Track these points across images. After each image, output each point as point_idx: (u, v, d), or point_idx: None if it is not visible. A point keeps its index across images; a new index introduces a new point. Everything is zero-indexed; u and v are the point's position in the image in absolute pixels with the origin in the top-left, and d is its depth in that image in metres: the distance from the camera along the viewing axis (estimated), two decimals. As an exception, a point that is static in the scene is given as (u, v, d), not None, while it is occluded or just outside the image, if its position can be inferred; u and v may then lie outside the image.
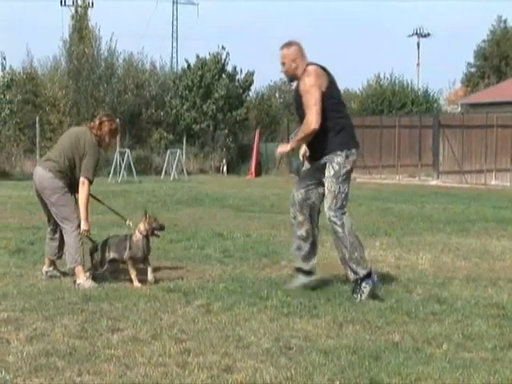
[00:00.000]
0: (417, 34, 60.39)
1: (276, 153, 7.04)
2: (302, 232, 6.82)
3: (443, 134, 27.54)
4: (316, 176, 6.71)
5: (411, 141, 29.40)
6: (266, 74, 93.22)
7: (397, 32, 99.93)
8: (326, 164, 6.58)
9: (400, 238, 10.59)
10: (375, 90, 41.90)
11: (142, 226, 7.13)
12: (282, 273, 7.74)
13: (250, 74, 35.60)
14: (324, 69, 6.66)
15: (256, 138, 32.68)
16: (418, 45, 60.15)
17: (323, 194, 6.67)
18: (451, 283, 7.28)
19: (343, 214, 6.54)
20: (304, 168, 7.03)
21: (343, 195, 6.55)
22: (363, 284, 6.46)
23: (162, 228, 7.28)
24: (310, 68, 6.59)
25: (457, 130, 27.68)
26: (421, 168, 28.36)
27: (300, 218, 6.81)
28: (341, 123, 6.64)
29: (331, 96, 6.59)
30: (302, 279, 6.89)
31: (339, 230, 6.48)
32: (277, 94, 46.74)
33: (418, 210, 15.29)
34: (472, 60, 55.94)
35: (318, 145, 6.61)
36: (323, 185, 6.64)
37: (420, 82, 48.88)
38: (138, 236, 7.12)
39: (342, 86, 39.95)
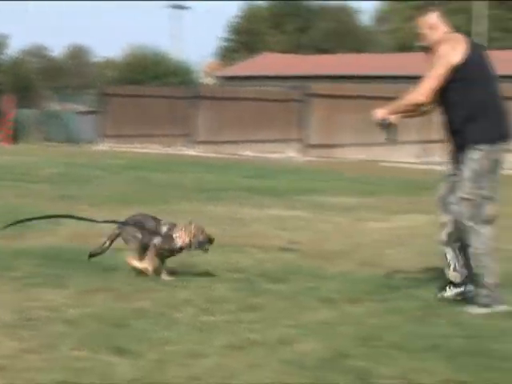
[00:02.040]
0: (176, 6, 60.79)
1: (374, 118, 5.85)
2: (442, 235, 5.72)
3: (200, 106, 28.10)
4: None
5: (170, 111, 29.68)
6: (22, 38, 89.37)
7: (156, 3, 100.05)
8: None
9: (154, 207, 10.69)
10: (134, 59, 41.70)
11: (186, 238, 6.24)
12: (29, 243, 7.53)
13: (4, 37, 33.96)
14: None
15: (8, 104, 31.27)
16: (177, 17, 60.62)
17: None
18: (199, 250, 7.48)
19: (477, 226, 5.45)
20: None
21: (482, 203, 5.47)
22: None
23: (210, 241, 6.38)
24: (449, 36, 5.62)
25: (213, 101, 28.36)
26: (178, 138, 28.76)
27: (443, 218, 5.72)
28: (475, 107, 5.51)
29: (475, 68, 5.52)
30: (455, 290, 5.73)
31: (473, 242, 5.47)
32: (33, 59, 45.07)
33: (173, 179, 15.52)
34: (226, 34, 57.59)
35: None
36: None
37: (178, 53, 49.42)
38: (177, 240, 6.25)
39: (101, 54, 39.38)
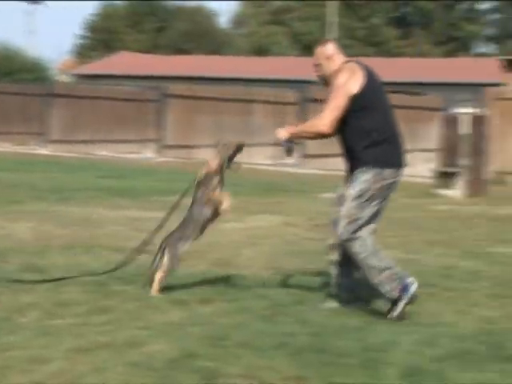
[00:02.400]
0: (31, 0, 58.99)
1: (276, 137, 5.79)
2: (335, 256, 5.74)
3: (54, 103, 27.41)
4: None
5: (23, 108, 28.75)
6: None
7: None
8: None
9: (4, 207, 10.35)
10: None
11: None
12: None
13: None
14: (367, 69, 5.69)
15: None
16: (32, 12, 58.80)
17: None
18: (49, 251, 7.32)
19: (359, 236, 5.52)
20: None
21: (364, 221, 5.53)
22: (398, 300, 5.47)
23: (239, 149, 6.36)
24: (347, 65, 5.65)
25: (67, 99, 27.72)
26: (32, 136, 27.92)
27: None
28: (371, 132, 5.58)
29: (372, 97, 5.61)
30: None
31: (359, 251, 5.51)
32: None
33: (24, 179, 15.05)
34: (82, 32, 56.61)
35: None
36: None
37: (33, 49, 47.98)
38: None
39: None
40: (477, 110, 20.51)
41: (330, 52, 5.69)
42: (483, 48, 63.35)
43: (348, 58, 5.74)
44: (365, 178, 5.47)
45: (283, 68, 34.79)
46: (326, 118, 5.50)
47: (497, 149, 20.37)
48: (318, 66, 5.73)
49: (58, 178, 15.81)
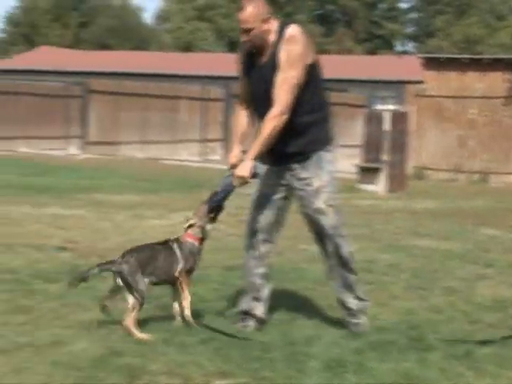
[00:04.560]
0: None
1: (234, 182, 4.80)
2: (263, 269, 5.02)
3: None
4: (281, 183, 4.84)
5: None
6: None
7: None
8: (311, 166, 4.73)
9: None
10: None
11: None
12: None
13: None
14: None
15: None
16: None
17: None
18: (-32, 251, 7.16)
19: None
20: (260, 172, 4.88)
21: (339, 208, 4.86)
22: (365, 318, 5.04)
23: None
24: (295, 30, 4.62)
25: (-14, 95, 27.09)
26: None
27: (264, 248, 5.00)
28: (324, 108, 4.87)
29: (317, 70, 4.76)
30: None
31: (347, 248, 4.88)
32: None
33: None
34: (2, 26, 55.44)
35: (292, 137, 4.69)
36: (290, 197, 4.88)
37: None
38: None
39: None
40: (398, 107, 20.95)
41: (267, 16, 4.63)
42: (404, 46, 64.67)
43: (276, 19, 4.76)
44: (328, 159, 4.77)
45: (209, 64, 34.76)
46: (284, 105, 4.55)
47: (416, 145, 20.84)
48: (247, 31, 4.63)
49: (-23, 175, 15.44)
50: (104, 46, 50.89)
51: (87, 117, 25.47)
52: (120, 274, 4.68)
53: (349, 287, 4.94)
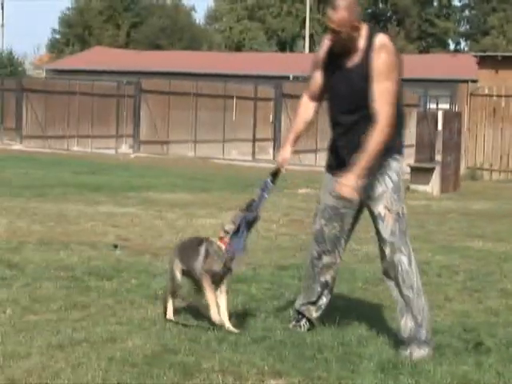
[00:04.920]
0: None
1: (345, 199, 4.55)
2: (326, 278, 4.93)
3: (27, 99, 27.19)
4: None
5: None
6: None
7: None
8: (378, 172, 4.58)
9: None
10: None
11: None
12: None
13: None
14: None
15: None
16: (2, 5, 58.23)
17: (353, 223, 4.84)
18: (24, 247, 7.27)
19: (409, 242, 4.66)
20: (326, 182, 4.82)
21: (406, 217, 4.69)
22: (417, 345, 4.56)
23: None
24: (386, 39, 4.53)
25: (41, 94, 27.52)
26: (4, 132, 27.71)
27: (327, 259, 4.90)
28: (401, 116, 4.68)
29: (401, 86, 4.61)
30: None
31: (405, 260, 4.60)
32: None
33: (-2, 175, 14.93)
34: (57, 26, 56.29)
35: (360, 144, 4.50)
36: (362, 208, 4.77)
37: (4, 44, 47.57)
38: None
39: None
40: (452, 107, 20.67)
41: (357, 23, 4.51)
42: (458, 45, 63.85)
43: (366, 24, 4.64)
44: (395, 167, 4.63)
45: (259, 64, 34.80)
46: (388, 117, 4.45)
47: (470, 145, 20.55)
48: (335, 32, 4.51)
49: (30, 174, 15.68)
50: (156, 46, 51.33)
51: (139, 116, 25.69)
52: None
53: (403, 313, 4.59)
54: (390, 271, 4.62)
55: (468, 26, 63.68)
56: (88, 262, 6.76)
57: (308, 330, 4.93)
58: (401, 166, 4.66)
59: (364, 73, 4.49)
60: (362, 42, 4.53)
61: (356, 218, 4.85)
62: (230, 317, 4.89)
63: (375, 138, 4.43)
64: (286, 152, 4.90)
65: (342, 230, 4.83)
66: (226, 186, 14.76)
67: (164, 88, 26.09)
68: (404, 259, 4.58)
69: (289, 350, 4.45)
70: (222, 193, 13.53)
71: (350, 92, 4.55)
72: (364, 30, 4.56)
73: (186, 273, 5.04)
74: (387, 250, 4.59)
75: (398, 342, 4.65)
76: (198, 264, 4.93)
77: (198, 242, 5.08)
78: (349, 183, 4.43)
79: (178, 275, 5.03)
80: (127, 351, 4.35)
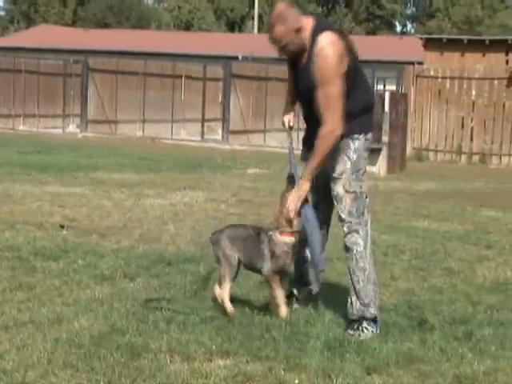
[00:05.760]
0: None
1: (287, 213, 4.66)
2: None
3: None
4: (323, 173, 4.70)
5: None
6: None
7: None
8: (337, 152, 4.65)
9: None
10: None
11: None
12: None
13: None
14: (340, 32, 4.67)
15: None
16: None
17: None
18: (-32, 228, 7.16)
19: (367, 222, 4.71)
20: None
21: (364, 196, 4.72)
22: (365, 324, 4.64)
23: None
24: (326, 40, 4.50)
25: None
26: None
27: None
28: (362, 99, 4.73)
29: (355, 70, 4.65)
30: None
31: (361, 242, 4.66)
32: None
33: None
34: (1, 3, 55.14)
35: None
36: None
37: None
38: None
39: None
40: (398, 88, 20.88)
41: (299, 25, 4.53)
42: (404, 27, 64.40)
43: (309, 17, 4.63)
44: (356, 147, 4.68)
45: (209, 43, 34.62)
46: (332, 122, 4.51)
47: (416, 126, 20.80)
48: (284, 46, 4.57)
49: (-24, 153, 15.40)
50: (103, 25, 50.64)
51: (86, 95, 25.35)
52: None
53: (353, 288, 4.70)
54: (346, 250, 4.71)
55: (414, 9, 64.23)
56: (34, 243, 6.68)
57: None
58: (363, 143, 4.68)
59: (311, 73, 4.55)
60: (308, 40, 4.54)
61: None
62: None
63: (321, 143, 4.54)
64: (289, 112, 5.02)
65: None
66: (174, 166, 14.71)
67: (112, 67, 25.78)
68: (360, 241, 4.65)
69: (237, 329, 4.47)
70: (170, 173, 13.47)
71: (307, 89, 4.60)
72: (309, 26, 4.55)
73: (244, 264, 4.85)
74: (345, 230, 4.67)
75: (346, 321, 4.71)
76: (265, 263, 4.74)
77: (257, 233, 4.80)
78: (303, 192, 4.63)
79: (236, 261, 4.78)
80: (74, 332, 4.33)
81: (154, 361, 3.97)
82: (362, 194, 4.68)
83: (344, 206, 4.65)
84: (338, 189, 4.66)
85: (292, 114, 5.05)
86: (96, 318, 4.60)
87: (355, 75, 4.63)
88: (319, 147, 4.54)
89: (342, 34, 4.64)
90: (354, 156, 4.65)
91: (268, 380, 3.79)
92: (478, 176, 16.01)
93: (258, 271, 4.86)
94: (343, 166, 4.64)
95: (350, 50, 4.58)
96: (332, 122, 4.51)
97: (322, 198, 4.86)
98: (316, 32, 4.53)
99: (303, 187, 4.63)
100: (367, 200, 4.74)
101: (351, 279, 4.70)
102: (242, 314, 4.75)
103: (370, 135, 4.76)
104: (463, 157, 20.47)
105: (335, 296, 5.21)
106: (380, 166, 15.60)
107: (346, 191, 4.64)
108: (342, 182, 4.64)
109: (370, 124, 4.82)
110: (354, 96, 4.60)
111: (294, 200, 4.64)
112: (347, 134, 4.62)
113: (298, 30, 4.51)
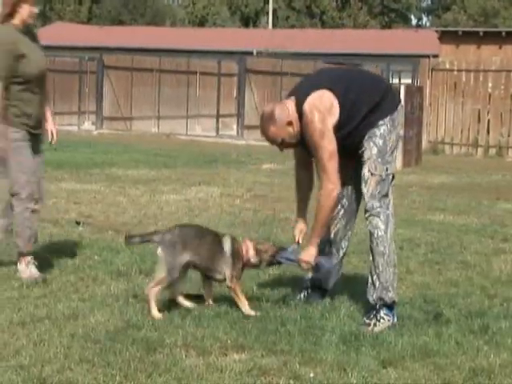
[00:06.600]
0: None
1: (301, 266, 4.86)
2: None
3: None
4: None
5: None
6: None
7: None
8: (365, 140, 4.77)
9: None
10: None
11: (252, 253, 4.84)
12: None
13: None
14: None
15: None
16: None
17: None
18: (-15, 226, 7.18)
19: (388, 204, 4.78)
20: None
21: (390, 178, 4.81)
22: (382, 313, 4.68)
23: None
24: (307, 106, 4.65)
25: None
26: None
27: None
28: (373, 98, 4.81)
29: (354, 110, 4.76)
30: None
31: (381, 226, 4.71)
32: None
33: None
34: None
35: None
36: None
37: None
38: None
39: None
40: (413, 81, 20.77)
41: (287, 119, 4.71)
42: (419, 20, 64.04)
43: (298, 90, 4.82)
44: (380, 133, 4.78)
45: (223, 39, 34.62)
46: (332, 181, 4.66)
47: (432, 119, 20.71)
48: (282, 142, 4.79)
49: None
50: (118, 22, 50.75)
51: (101, 92, 25.42)
52: None
53: (374, 269, 4.74)
54: (369, 232, 4.77)
55: (430, 2, 63.88)
56: (50, 239, 6.71)
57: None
58: (389, 126, 4.77)
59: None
60: (297, 122, 4.71)
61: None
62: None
63: (322, 205, 4.70)
64: (301, 224, 5.00)
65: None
66: (189, 162, 14.73)
67: (127, 64, 25.84)
68: (381, 225, 4.71)
69: (252, 323, 4.48)
70: (185, 169, 13.49)
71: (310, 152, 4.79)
72: (293, 108, 4.71)
73: (196, 267, 4.78)
74: (367, 213, 4.74)
75: (361, 314, 4.71)
76: (225, 267, 4.73)
77: (215, 236, 4.80)
78: (309, 258, 4.77)
79: (183, 269, 4.69)
80: (90, 327, 4.35)
81: (170, 355, 3.98)
82: (388, 176, 4.77)
83: (368, 188, 4.74)
84: (365, 170, 4.76)
85: (304, 225, 5.00)
86: (112, 313, 4.62)
87: (352, 106, 4.72)
88: (323, 209, 4.70)
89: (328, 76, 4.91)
90: (380, 141, 4.76)
91: (283, 374, 3.80)
92: (495, 169, 15.90)
93: (217, 279, 4.80)
94: (369, 152, 4.76)
95: (341, 80, 4.81)
96: (330, 180, 4.65)
97: (352, 191, 4.98)
98: (300, 105, 4.69)
99: (311, 252, 4.77)
100: (393, 181, 4.82)
101: (372, 260, 4.75)
102: (257, 309, 4.76)
103: (395, 113, 4.83)
104: (479, 150, 20.35)
105: (350, 290, 5.21)
106: (395, 160, 15.53)
107: (372, 174, 4.73)
108: (368, 164, 4.74)
109: (392, 104, 4.87)
110: (365, 103, 4.75)
111: (307, 264, 4.79)
112: (373, 125, 4.75)
113: (290, 123, 4.71)
